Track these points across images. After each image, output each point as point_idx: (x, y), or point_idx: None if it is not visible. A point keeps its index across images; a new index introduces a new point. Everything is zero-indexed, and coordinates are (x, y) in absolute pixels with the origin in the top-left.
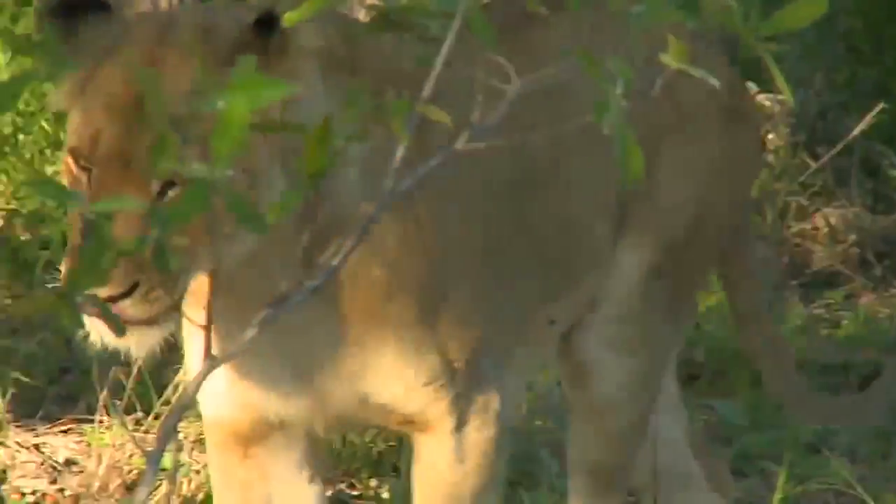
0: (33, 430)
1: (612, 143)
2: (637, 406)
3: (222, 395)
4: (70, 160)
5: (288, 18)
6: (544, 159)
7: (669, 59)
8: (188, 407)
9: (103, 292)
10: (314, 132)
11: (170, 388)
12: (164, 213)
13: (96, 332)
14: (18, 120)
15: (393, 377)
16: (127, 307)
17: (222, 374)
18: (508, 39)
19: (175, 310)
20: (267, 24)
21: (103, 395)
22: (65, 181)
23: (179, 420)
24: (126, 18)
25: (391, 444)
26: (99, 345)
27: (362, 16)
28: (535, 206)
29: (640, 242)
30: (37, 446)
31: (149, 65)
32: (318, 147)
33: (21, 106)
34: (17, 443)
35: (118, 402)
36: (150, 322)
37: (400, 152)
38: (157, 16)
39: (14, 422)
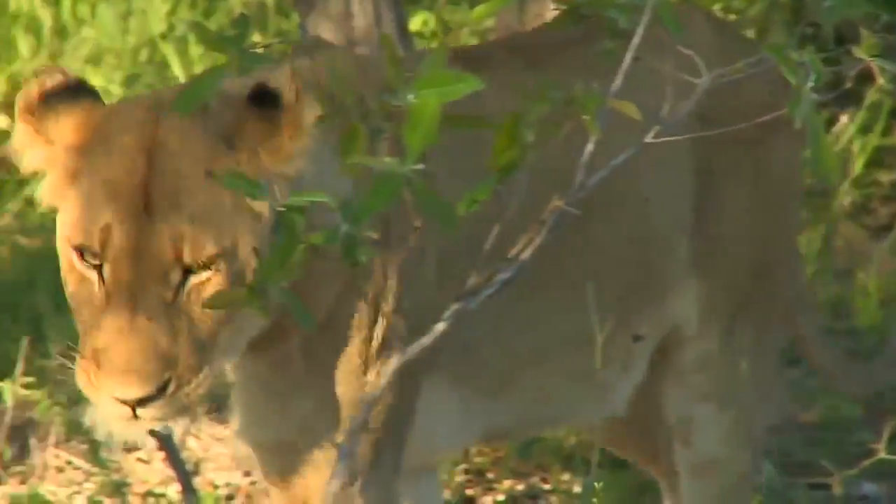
0: (226, 422)
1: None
2: (743, 456)
3: None
4: (75, 256)
5: (476, 14)
6: (623, 174)
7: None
8: (376, 401)
9: (131, 394)
10: (504, 127)
11: None
12: (354, 207)
13: (105, 422)
14: None
15: None
16: (150, 410)
17: None
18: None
19: (194, 408)
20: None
21: None
22: (68, 275)
23: (370, 412)
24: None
25: (582, 438)
26: (103, 434)
27: (550, 10)
28: (611, 224)
29: (714, 267)
30: (229, 439)
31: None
32: (508, 141)
33: None
34: (211, 435)
35: None
36: (164, 420)
37: (590, 147)
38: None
39: (207, 414)
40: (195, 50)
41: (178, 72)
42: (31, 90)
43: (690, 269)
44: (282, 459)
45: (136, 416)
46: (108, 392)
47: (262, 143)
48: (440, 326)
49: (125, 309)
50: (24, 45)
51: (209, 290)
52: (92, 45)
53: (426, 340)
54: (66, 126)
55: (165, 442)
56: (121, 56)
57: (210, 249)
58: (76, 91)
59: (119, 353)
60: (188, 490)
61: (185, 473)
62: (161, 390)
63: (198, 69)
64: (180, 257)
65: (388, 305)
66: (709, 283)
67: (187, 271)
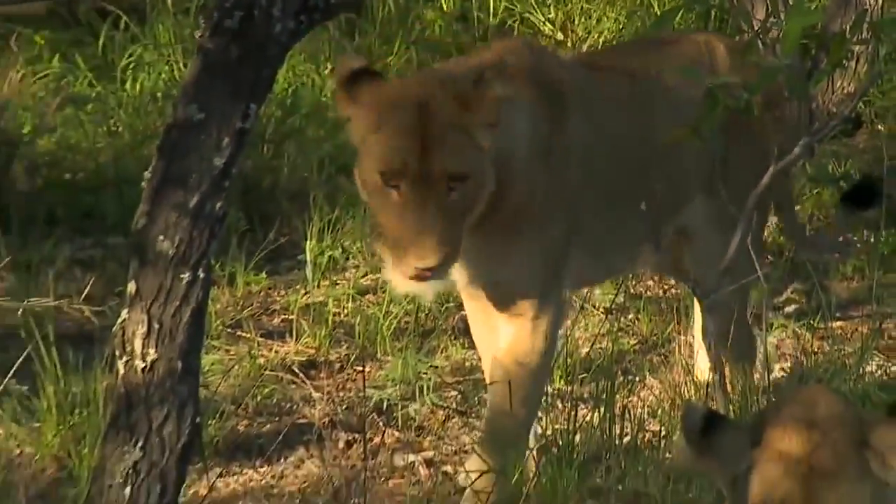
0: None
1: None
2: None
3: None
4: (380, 180)
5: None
6: (659, 135)
7: None
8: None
9: (427, 264)
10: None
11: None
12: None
13: (398, 283)
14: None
15: None
16: (433, 274)
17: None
18: None
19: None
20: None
21: None
22: (365, 194)
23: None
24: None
25: None
26: (400, 291)
27: None
28: (657, 164)
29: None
30: None
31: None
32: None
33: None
34: None
35: None
36: (438, 279)
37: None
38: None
39: None
40: None
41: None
42: (343, 70)
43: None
44: (492, 296)
45: (421, 279)
46: (410, 264)
47: (473, 108)
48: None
49: (419, 209)
50: None
51: (463, 194)
52: None
53: None
54: (366, 94)
55: None
56: None
57: (462, 168)
58: (368, 71)
59: (417, 237)
60: None
61: None
62: (441, 262)
63: None
64: (446, 175)
65: None
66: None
67: (452, 183)
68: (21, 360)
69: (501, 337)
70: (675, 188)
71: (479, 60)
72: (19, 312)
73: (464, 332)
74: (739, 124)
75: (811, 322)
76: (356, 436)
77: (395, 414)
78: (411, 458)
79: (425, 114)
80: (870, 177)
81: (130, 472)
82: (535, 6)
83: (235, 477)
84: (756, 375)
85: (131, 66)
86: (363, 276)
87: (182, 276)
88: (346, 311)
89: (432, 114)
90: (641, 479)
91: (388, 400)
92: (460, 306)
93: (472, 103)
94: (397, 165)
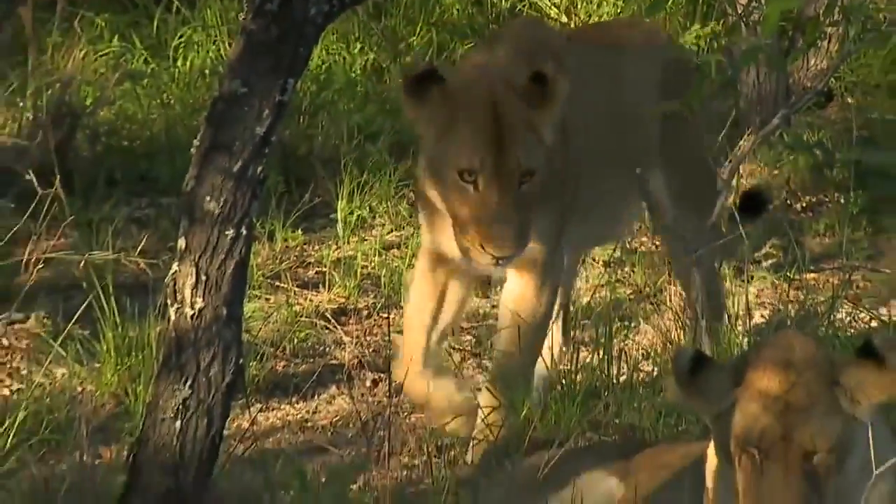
0: None
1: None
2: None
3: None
4: (456, 175)
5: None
6: (629, 108)
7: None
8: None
9: (504, 253)
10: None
11: None
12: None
13: (478, 263)
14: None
15: None
16: (508, 262)
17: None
18: None
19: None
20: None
21: None
22: (449, 193)
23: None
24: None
25: None
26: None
27: None
28: (628, 133)
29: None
30: None
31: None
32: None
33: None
34: None
35: None
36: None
37: None
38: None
39: None
40: None
41: None
42: (408, 75)
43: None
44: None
45: (497, 265)
46: (489, 253)
47: (540, 107)
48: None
49: (496, 203)
50: None
51: (530, 188)
52: None
53: None
54: (435, 97)
55: None
56: None
57: (533, 164)
58: (434, 74)
59: (496, 230)
60: None
61: None
62: (517, 251)
63: None
64: (519, 169)
65: None
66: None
67: (522, 179)
68: (83, 307)
69: (509, 290)
70: (642, 157)
71: (507, 51)
72: (81, 265)
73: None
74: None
75: (787, 274)
76: (382, 375)
77: None
78: None
79: (497, 113)
80: (759, 187)
81: (180, 407)
82: None
83: (274, 412)
84: (738, 323)
85: (182, 45)
86: (388, 233)
87: (227, 232)
88: (372, 264)
89: (504, 113)
90: (636, 413)
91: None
92: None
93: (539, 102)
94: (476, 164)
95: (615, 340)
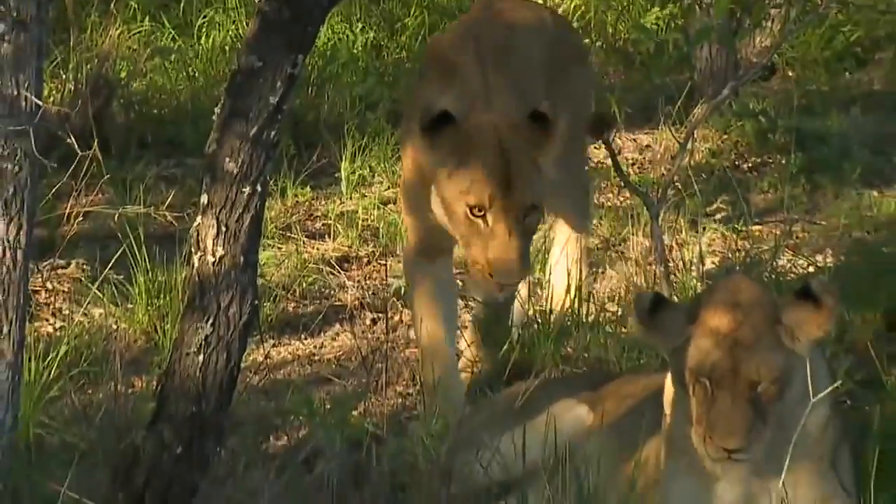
0: None
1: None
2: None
3: None
4: (467, 210)
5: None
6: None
7: None
8: None
9: (508, 281)
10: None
11: None
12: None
13: (484, 296)
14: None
15: None
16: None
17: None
18: None
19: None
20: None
21: None
22: (458, 224)
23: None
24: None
25: None
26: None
27: None
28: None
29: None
30: None
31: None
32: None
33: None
34: None
35: None
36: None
37: None
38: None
39: None
40: None
41: None
42: (423, 119)
43: None
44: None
45: (500, 292)
46: (497, 282)
47: (541, 145)
48: None
49: (503, 237)
50: None
51: (532, 220)
52: None
53: None
54: (446, 138)
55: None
56: None
57: (536, 200)
58: (446, 116)
59: (503, 263)
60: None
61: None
62: (521, 279)
63: None
64: (524, 205)
65: None
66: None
67: (526, 213)
68: (118, 255)
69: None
70: None
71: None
72: (116, 218)
73: None
74: (555, 73)
75: (735, 226)
76: (380, 315)
77: None
78: None
79: (504, 152)
80: (603, 112)
81: (203, 343)
82: None
83: (285, 347)
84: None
85: (205, 24)
86: (386, 190)
87: (244, 189)
88: (372, 217)
89: (510, 152)
90: (603, 348)
91: (405, 287)
92: None
93: (538, 140)
94: (484, 201)
95: (584, 284)
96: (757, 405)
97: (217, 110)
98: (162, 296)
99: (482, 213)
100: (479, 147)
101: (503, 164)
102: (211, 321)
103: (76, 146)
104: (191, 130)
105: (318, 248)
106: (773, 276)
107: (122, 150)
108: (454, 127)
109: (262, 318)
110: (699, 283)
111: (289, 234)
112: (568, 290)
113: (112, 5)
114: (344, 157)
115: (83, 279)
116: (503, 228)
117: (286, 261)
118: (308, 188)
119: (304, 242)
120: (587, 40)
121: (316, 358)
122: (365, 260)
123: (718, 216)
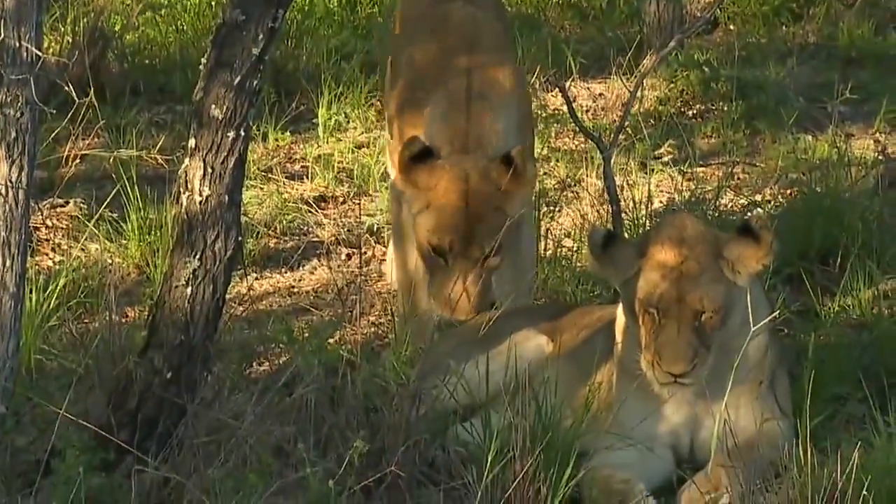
0: None
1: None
2: None
3: None
4: (429, 248)
5: None
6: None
7: None
8: None
9: (464, 318)
10: None
11: None
12: None
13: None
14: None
15: None
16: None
17: None
18: None
19: None
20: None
21: None
22: (421, 252)
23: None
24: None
25: None
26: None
27: None
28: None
29: None
30: None
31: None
32: None
33: None
34: None
35: None
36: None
37: None
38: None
39: None
40: None
41: None
42: (403, 155)
43: None
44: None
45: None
46: (454, 316)
47: (511, 184)
48: None
49: (461, 279)
50: None
51: (493, 261)
52: None
53: None
54: (421, 177)
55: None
56: None
57: (492, 243)
58: (427, 153)
59: (461, 303)
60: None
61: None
62: (472, 316)
63: None
64: (482, 252)
65: None
66: None
67: (485, 258)
68: (112, 195)
69: None
70: None
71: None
72: (111, 160)
73: None
74: (480, 42)
75: (682, 168)
76: (354, 250)
77: (382, 234)
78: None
79: (469, 199)
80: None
81: (191, 276)
82: None
83: (267, 280)
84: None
85: None
86: (360, 134)
87: (228, 134)
88: (347, 160)
89: (474, 200)
90: (560, 281)
91: (377, 224)
92: None
93: (508, 183)
94: (445, 244)
95: (542, 222)
96: (701, 333)
97: (204, 60)
98: (153, 232)
99: (442, 255)
100: (446, 193)
101: (466, 210)
102: (198, 256)
103: (74, 94)
104: (180, 79)
105: (297, 189)
106: (716, 214)
107: (116, 97)
108: (429, 167)
109: (245, 253)
110: (648, 221)
111: (270, 176)
112: None
113: None
114: (321, 104)
115: (80, 217)
116: (462, 270)
117: (267, 200)
118: (288, 133)
119: (284, 183)
120: None
121: (295, 290)
122: (340, 199)
123: (666, 159)
